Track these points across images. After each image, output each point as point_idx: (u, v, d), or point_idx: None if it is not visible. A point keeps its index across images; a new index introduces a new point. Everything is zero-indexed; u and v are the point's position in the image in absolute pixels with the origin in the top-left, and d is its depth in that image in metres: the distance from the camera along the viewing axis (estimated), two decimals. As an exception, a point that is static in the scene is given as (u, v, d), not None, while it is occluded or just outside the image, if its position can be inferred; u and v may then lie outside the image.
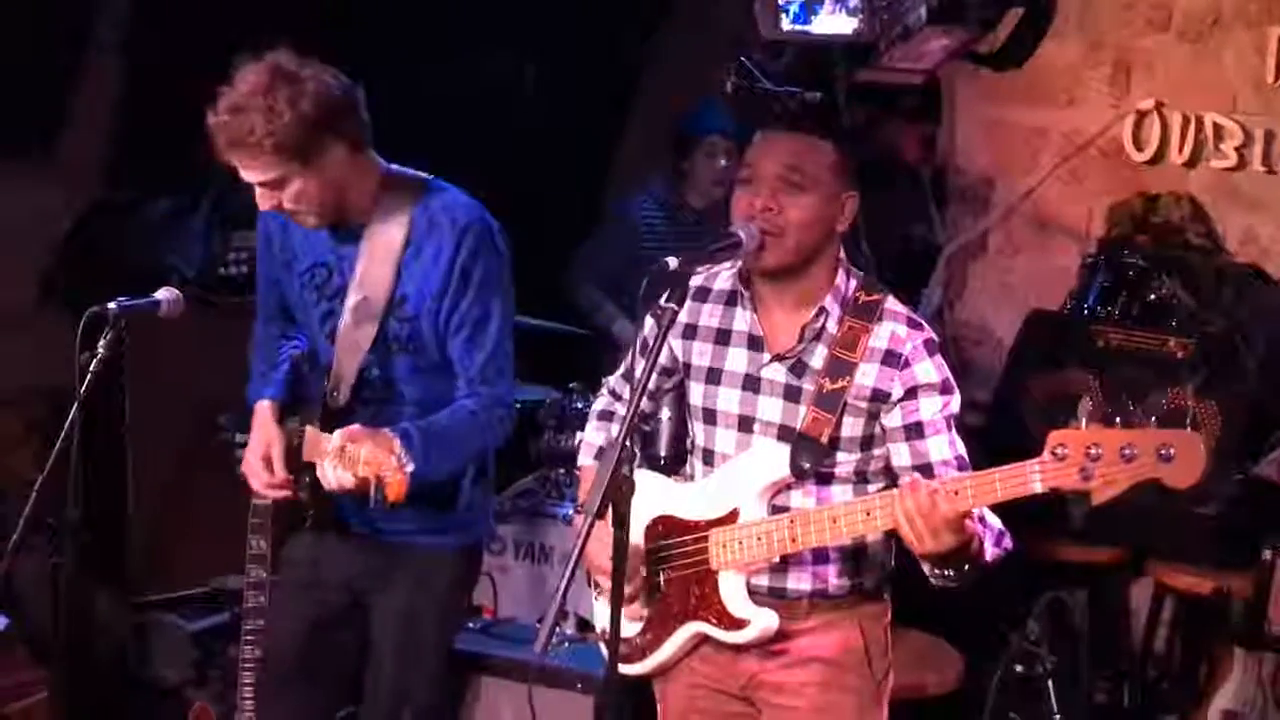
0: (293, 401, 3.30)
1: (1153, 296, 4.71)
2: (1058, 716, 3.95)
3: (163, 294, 3.07)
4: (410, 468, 2.90)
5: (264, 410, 3.27)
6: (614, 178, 6.12)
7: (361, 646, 3.44)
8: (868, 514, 2.59)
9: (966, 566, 2.58)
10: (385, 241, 3.18)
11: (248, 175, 3.03)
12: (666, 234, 5.19)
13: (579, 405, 4.70)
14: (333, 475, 2.98)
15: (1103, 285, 4.80)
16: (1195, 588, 4.44)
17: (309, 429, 3.23)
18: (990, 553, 2.64)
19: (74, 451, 2.76)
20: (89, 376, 2.78)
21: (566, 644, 3.94)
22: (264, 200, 3.08)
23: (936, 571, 2.61)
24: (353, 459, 2.95)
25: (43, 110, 4.49)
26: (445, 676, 3.61)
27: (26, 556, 2.81)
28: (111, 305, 2.86)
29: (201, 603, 4.48)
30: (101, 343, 2.80)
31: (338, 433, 2.99)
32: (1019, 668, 3.95)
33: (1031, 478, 2.39)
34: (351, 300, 3.19)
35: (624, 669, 2.81)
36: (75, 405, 2.76)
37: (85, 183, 4.64)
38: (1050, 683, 3.95)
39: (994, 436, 4.55)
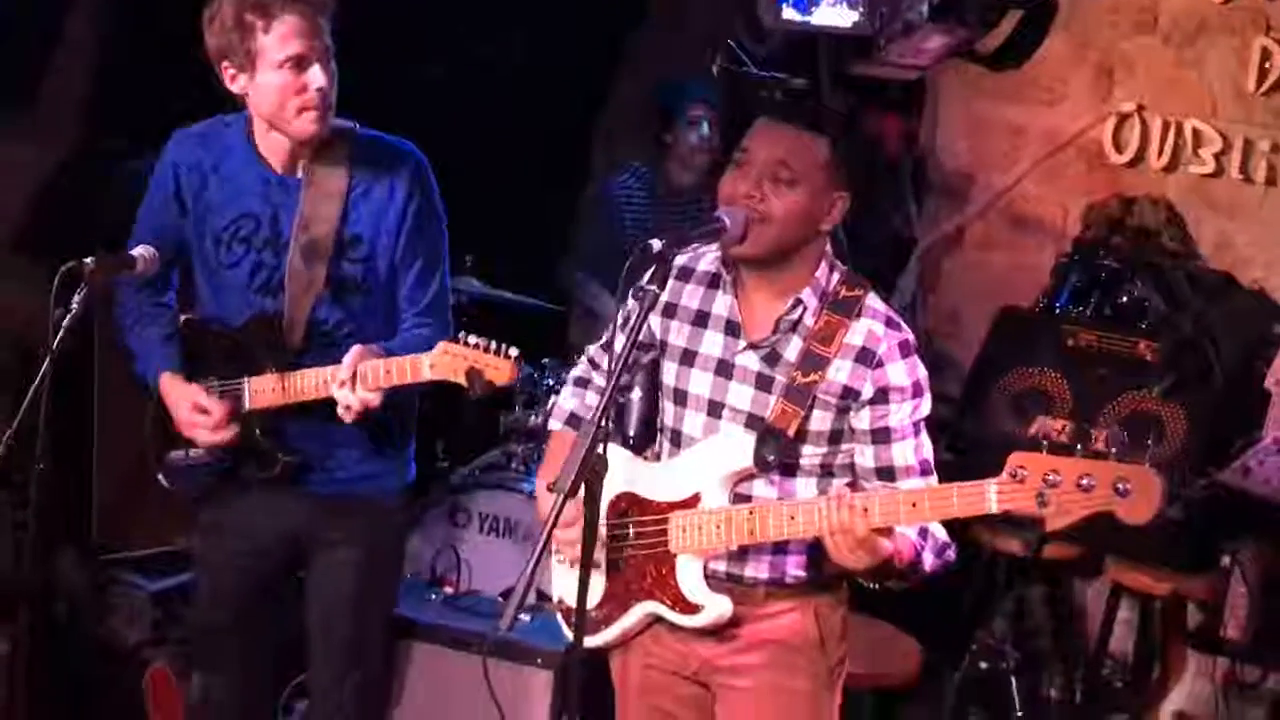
0: (189, 367, 3.30)
1: (1125, 298, 4.73)
2: (1019, 714, 3.98)
3: (139, 250, 3.06)
4: (515, 351, 2.94)
5: (170, 379, 3.28)
6: (597, 153, 6.10)
7: (300, 609, 3.46)
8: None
9: (893, 580, 2.63)
10: (329, 183, 3.21)
11: (306, 42, 3.03)
12: (647, 211, 5.18)
13: (549, 381, 4.70)
14: (354, 398, 3.06)
15: (1075, 285, 4.83)
16: (1152, 589, 4.48)
17: (256, 378, 3.23)
18: (930, 563, 2.67)
19: (43, 406, 2.74)
20: (61, 332, 2.76)
21: (527, 616, 3.94)
22: (306, 84, 3.05)
23: (862, 579, 2.65)
24: (370, 374, 3.02)
25: (21, 62, 4.44)
26: (391, 628, 3.67)
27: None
28: (87, 261, 2.84)
29: (162, 563, 4.47)
30: (75, 298, 2.78)
31: (351, 353, 3.06)
32: (982, 664, 3.97)
33: (988, 498, 2.40)
34: (299, 243, 3.20)
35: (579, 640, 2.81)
36: (46, 360, 2.74)
37: (61, 136, 4.59)
38: (1014, 679, 3.97)
39: (961, 430, 4.58)
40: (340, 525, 3.35)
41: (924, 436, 2.73)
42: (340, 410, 3.09)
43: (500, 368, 2.94)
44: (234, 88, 3.13)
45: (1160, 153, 5.00)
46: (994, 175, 5.38)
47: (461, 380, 2.97)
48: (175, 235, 3.31)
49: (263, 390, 3.23)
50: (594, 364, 3.09)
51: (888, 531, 2.55)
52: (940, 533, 2.70)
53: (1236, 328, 4.55)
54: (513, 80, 5.46)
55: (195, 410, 3.23)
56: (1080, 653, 4.83)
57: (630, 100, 6.00)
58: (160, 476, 3.38)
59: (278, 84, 3.08)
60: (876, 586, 2.71)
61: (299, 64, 3.05)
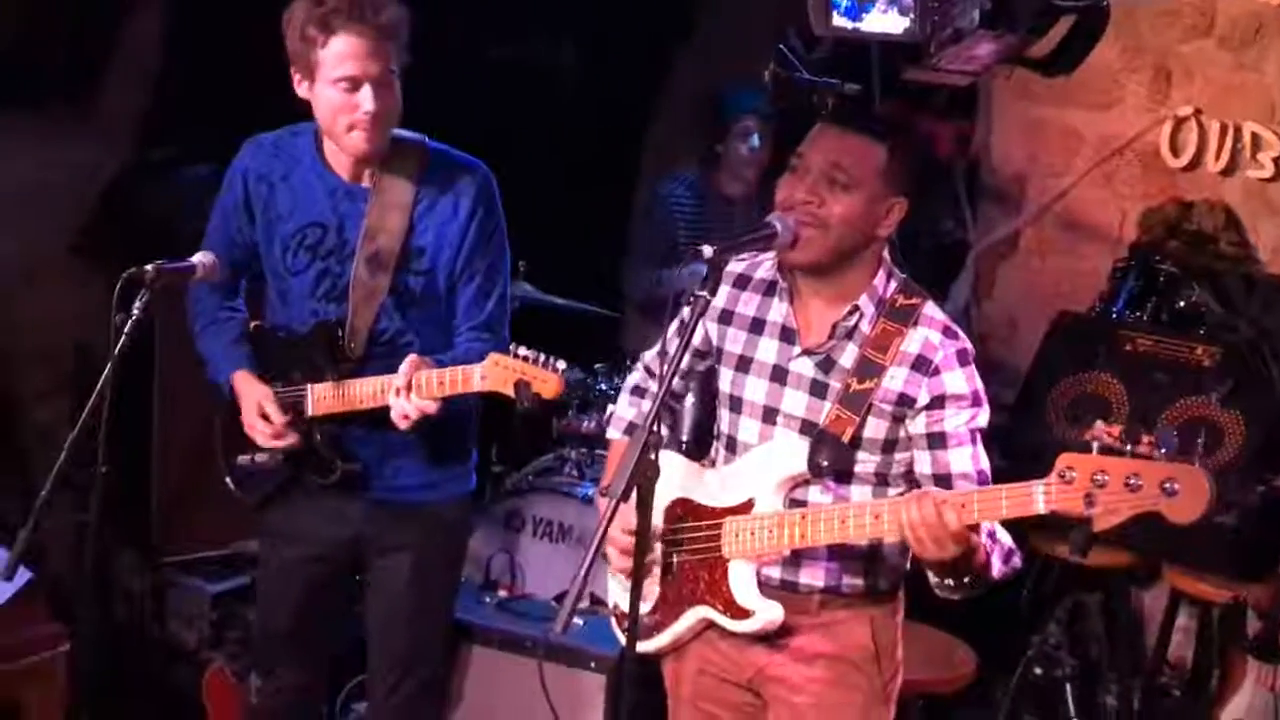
0: (259, 371, 3.34)
1: (1182, 303, 4.69)
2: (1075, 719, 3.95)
3: (199, 258, 3.09)
4: (561, 365, 2.97)
5: (244, 377, 3.33)
6: (648, 161, 6.11)
7: (360, 613, 3.51)
8: (876, 517, 2.58)
9: (969, 580, 2.59)
10: (395, 194, 3.24)
11: (359, 65, 3.05)
12: (696, 219, 5.19)
13: (603, 386, 4.72)
14: (409, 406, 3.08)
15: (1132, 290, 4.79)
16: (1211, 596, 4.44)
17: (318, 385, 3.27)
18: (998, 569, 2.65)
19: (105, 410, 2.78)
20: (123, 337, 2.79)
21: (581, 621, 3.95)
22: (358, 105, 3.08)
23: (939, 581, 2.62)
24: (424, 384, 3.05)
25: (82, 67, 4.50)
26: (450, 632, 3.70)
27: (52, 512, 2.82)
28: (148, 267, 2.88)
29: (221, 565, 4.52)
30: (137, 304, 2.81)
31: (406, 362, 3.08)
32: (1038, 670, 3.94)
33: (1036, 498, 2.38)
34: (364, 252, 3.23)
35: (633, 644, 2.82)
36: (109, 365, 2.78)
37: (122, 142, 4.66)
38: (1069, 686, 3.94)
39: (1016, 437, 4.54)
40: (400, 531, 3.38)
41: (980, 448, 2.71)
42: (395, 418, 3.12)
43: (548, 380, 2.96)
44: (300, 92, 3.17)
45: (1218, 157, 4.94)
46: (1049, 180, 5.34)
47: (509, 391, 2.99)
48: (244, 242, 3.36)
49: (323, 397, 3.27)
50: (650, 372, 3.10)
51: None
52: (1006, 538, 2.68)
53: (1297, 332, 4.50)
54: (565, 86, 5.49)
55: (259, 414, 3.27)
56: (1138, 661, 4.79)
57: (682, 106, 6.01)
58: (228, 480, 3.43)
59: (331, 100, 3.11)
60: (953, 584, 2.61)
61: (353, 85, 3.08)
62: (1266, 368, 4.40)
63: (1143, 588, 4.96)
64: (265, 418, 3.27)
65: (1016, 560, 2.70)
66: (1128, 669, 4.71)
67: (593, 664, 3.95)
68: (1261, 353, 4.44)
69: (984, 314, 5.49)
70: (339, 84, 3.08)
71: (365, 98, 3.08)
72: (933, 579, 2.63)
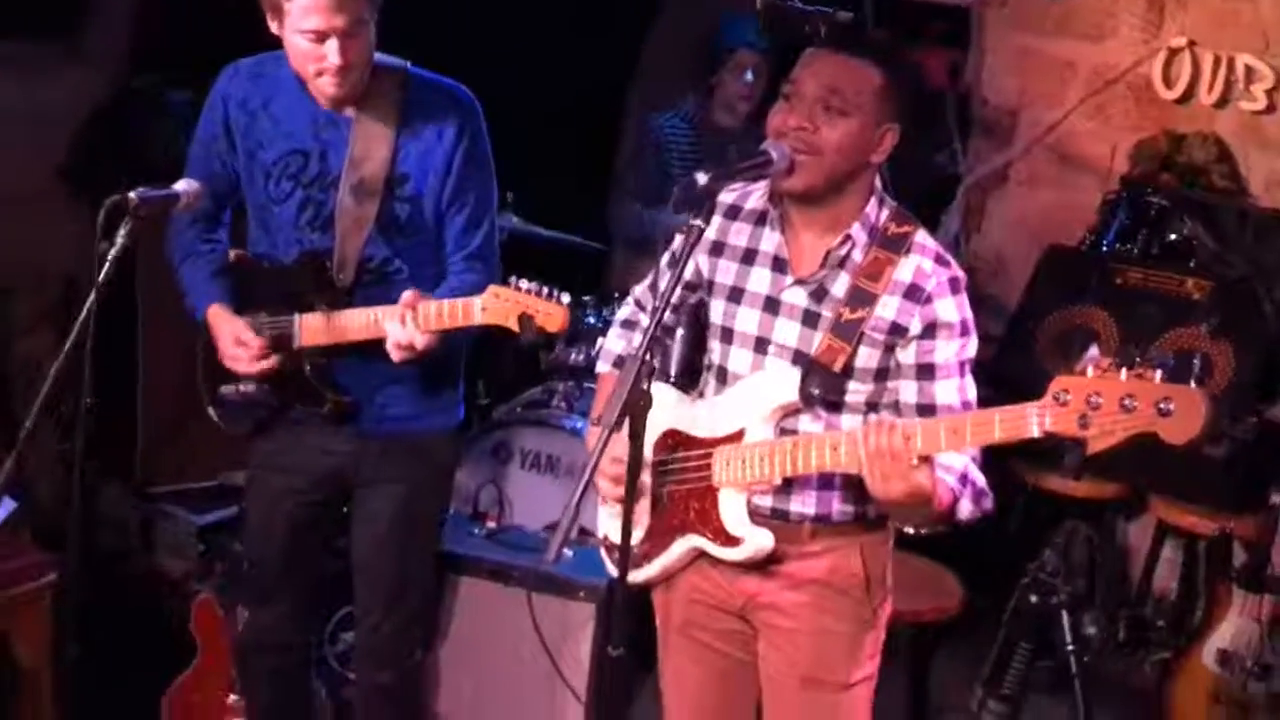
0: (241, 303, 3.31)
1: (1173, 236, 4.70)
2: (1071, 648, 3.96)
3: (183, 185, 3.04)
4: (567, 297, 2.94)
5: (216, 311, 3.29)
6: (639, 93, 6.06)
7: (347, 544, 3.50)
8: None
9: (928, 524, 2.61)
10: (379, 122, 3.20)
11: (325, 19, 2.99)
12: (690, 152, 5.15)
13: (590, 319, 4.70)
14: (403, 334, 3.05)
15: (1123, 223, 4.79)
16: (1198, 528, 4.47)
17: (307, 316, 3.23)
18: (967, 510, 2.64)
19: (89, 341, 2.75)
20: (107, 265, 2.76)
21: (569, 551, 3.95)
22: (324, 55, 3.03)
23: (898, 522, 2.63)
24: (423, 315, 3.03)
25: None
26: (438, 563, 3.70)
27: (38, 444, 2.80)
28: (132, 195, 2.83)
29: (208, 496, 4.51)
30: (121, 232, 2.77)
31: (406, 295, 3.05)
32: (1033, 597, 3.95)
33: (1030, 421, 2.35)
34: (349, 181, 3.20)
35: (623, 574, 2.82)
36: (92, 293, 2.74)
37: (107, 70, 4.60)
38: (1064, 613, 3.96)
39: (1005, 369, 4.55)
40: (387, 463, 3.36)
41: (969, 378, 2.70)
42: (390, 348, 3.09)
43: (553, 313, 2.94)
44: (274, 30, 3.12)
45: (1211, 89, 4.92)
46: (1041, 111, 5.31)
47: (513, 325, 2.96)
48: (225, 170, 3.30)
49: (312, 327, 3.23)
50: (640, 305, 3.07)
51: (928, 469, 2.52)
52: (979, 480, 2.67)
53: (1288, 265, 4.50)
54: (552, 15, 5.42)
55: (236, 343, 3.24)
56: (1123, 592, 4.82)
57: (674, 37, 5.95)
58: (211, 410, 3.40)
59: (298, 47, 3.07)
60: (912, 532, 2.70)
61: (319, 37, 3.03)
62: (1257, 299, 4.40)
63: (1129, 519, 4.98)
64: (242, 343, 3.24)
65: (987, 503, 2.68)
66: (1113, 600, 4.74)
67: (581, 594, 3.95)
68: (1252, 284, 4.44)
69: (973, 247, 5.48)
70: (305, 35, 3.03)
71: (331, 50, 3.03)
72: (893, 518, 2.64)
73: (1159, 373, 2.27)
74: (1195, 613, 4.65)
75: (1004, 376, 4.45)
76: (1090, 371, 2.32)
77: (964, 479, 2.63)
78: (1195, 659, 4.14)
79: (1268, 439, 4.18)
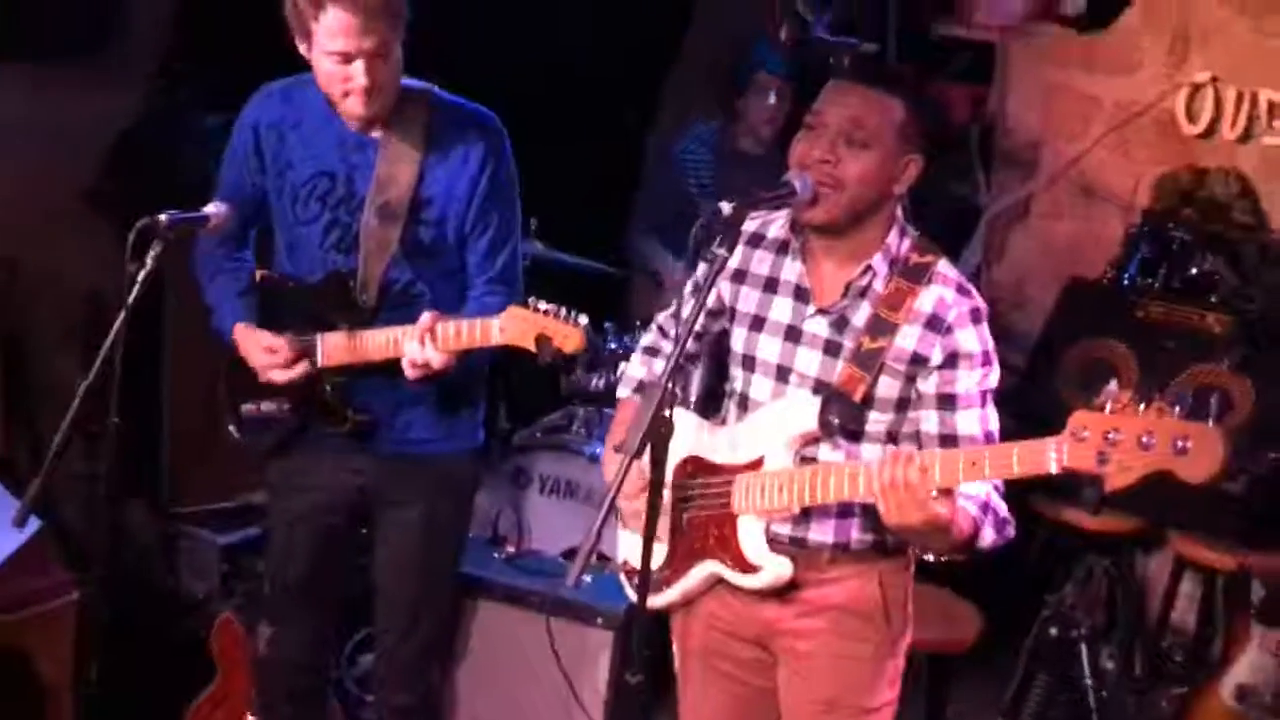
0: (265, 322, 3.33)
1: (1194, 271, 4.69)
2: (1089, 681, 3.96)
3: (212, 208, 3.09)
4: (584, 319, 2.96)
5: (243, 329, 3.32)
6: (663, 117, 6.08)
7: (366, 566, 3.52)
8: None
9: (950, 552, 2.61)
10: (405, 146, 3.23)
11: (352, 41, 3.02)
12: (712, 175, 5.17)
13: (612, 345, 4.72)
14: (421, 353, 3.07)
15: (1145, 257, 4.79)
16: (1217, 563, 4.45)
17: (329, 335, 3.26)
18: (989, 538, 2.64)
19: (117, 361, 2.78)
20: (136, 287, 2.79)
21: (588, 577, 3.97)
22: (350, 76, 3.07)
23: (919, 550, 2.63)
24: (441, 334, 3.05)
25: (98, 14, 4.48)
26: (457, 586, 3.72)
27: (62, 462, 2.82)
28: (162, 218, 2.87)
29: (231, 517, 4.53)
30: (151, 254, 2.81)
31: (425, 316, 3.08)
32: (1053, 630, 3.95)
33: (1049, 456, 2.36)
34: (374, 203, 3.23)
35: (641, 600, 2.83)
36: (122, 314, 2.78)
37: (136, 91, 4.63)
38: (1084, 646, 3.96)
39: (1025, 402, 4.55)
40: (408, 485, 3.39)
41: (990, 408, 2.70)
42: (406, 367, 3.11)
43: (570, 335, 2.96)
44: (302, 52, 3.16)
45: (1234, 124, 4.93)
46: (1063, 144, 5.32)
47: (530, 346, 2.98)
48: (253, 191, 3.35)
49: (334, 347, 3.26)
50: (663, 332, 3.09)
51: (948, 500, 2.53)
52: (1001, 508, 2.67)
53: (1309, 301, 4.49)
54: (577, 42, 5.45)
55: (266, 351, 3.27)
56: (1141, 626, 4.80)
57: (696, 62, 5.98)
58: (232, 429, 3.43)
59: (326, 70, 3.10)
60: (932, 559, 2.70)
61: (345, 59, 3.06)
62: (1278, 336, 4.39)
63: (1147, 554, 4.97)
64: (272, 350, 3.26)
65: (1010, 530, 2.69)
66: (1130, 634, 4.72)
67: (599, 619, 3.97)
68: (1273, 320, 4.44)
69: (994, 278, 5.48)
70: (332, 56, 3.07)
71: (357, 71, 3.07)
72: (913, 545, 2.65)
73: (1177, 410, 2.28)
74: (1213, 648, 4.63)
75: (1023, 408, 4.46)
76: (1109, 407, 2.33)
77: (985, 507, 2.64)
78: (1213, 694, 4.12)
79: (1288, 474, 4.17)
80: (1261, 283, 4.59)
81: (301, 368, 3.26)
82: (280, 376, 3.27)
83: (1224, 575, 4.60)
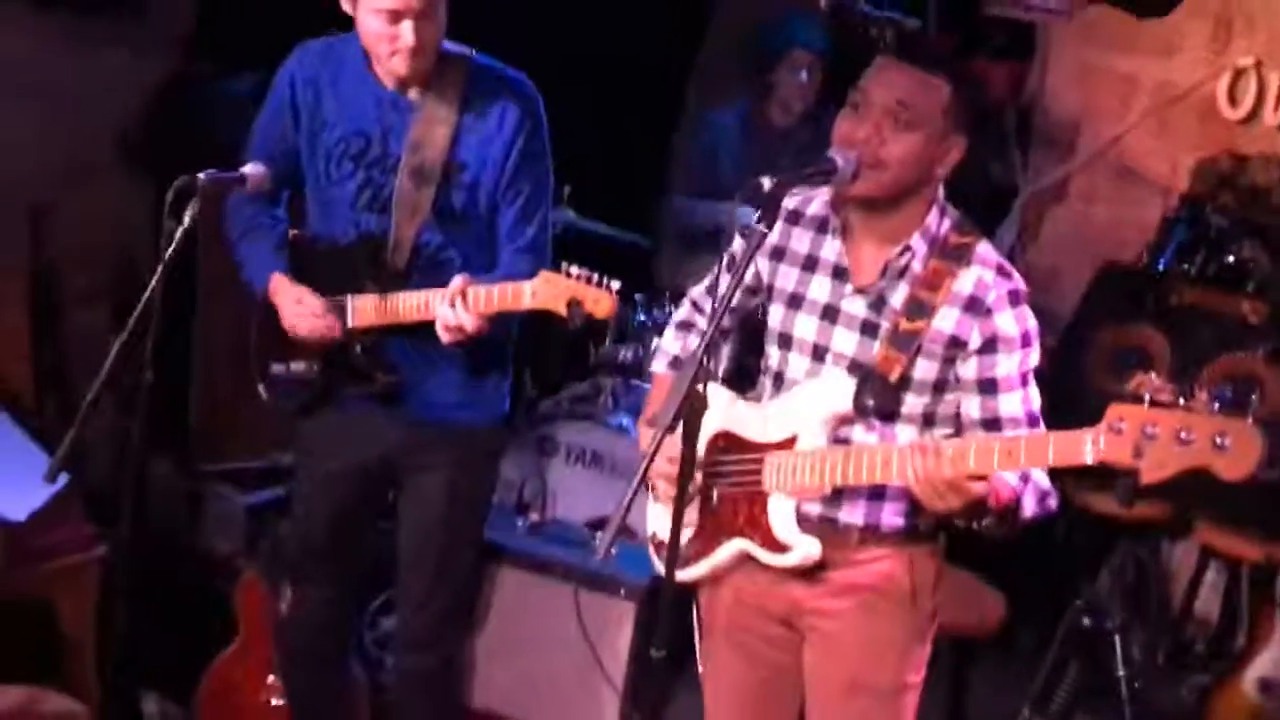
0: (298, 280, 3.31)
1: (1231, 258, 4.65)
2: (1122, 672, 3.94)
3: (249, 169, 3.08)
4: (617, 284, 2.94)
5: (281, 279, 3.30)
6: (695, 89, 6.04)
7: (390, 530, 3.51)
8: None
9: (988, 522, 2.58)
10: (441, 108, 3.21)
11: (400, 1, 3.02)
12: (743, 151, 5.14)
13: (641, 317, 4.71)
14: (453, 316, 3.05)
15: (1181, 242, 4.75)
16: (1243, 552, 4.42)
17: (359, 296, 3.25)
18: (1030, 508, 2.63)
19: (155, 316, 2.78)
20: (173, 245, 2.78)
21: (614, 549, 3.96)
22: (398, 35, 3.06)
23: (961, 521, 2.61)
24: (473, 298, 3.03)
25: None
26: (480, 552, 3.70)
27: (92, 417, 2.82)
28: (200, 177, 2.86)
29: (257, 476, 4.54)
30: (188, 213, 2.80)
31: (457, 279, 3.06)
32: (1085, 620, 3.94)
33: (1085, 447, 2.34)
34: (408, 165, 3.21)
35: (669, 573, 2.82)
36: (159, 271, 2.77)
37: (169, 50, 4.63)
38: (1118, 636, 3.94)
39: (1056, 384, 4.50)
40: (434, 450, 3.38)
41: (1032, 388, 2.69)
42: (440, 330, 3.10)
43: (601, 300, 2.94)
44: (345, 9, 3.14)
45: (1276, 110, 4.87)
46: (1102, 126, 5.28)
47: (561, 310, 2.97)
48: (287, 147, 3.33)
49: (364, 308, 3.25)
50: (698, 307, 3.07)
51: (984, 482, 2.51)
52: (1043, 480, 2.65)
53: (1346, 291, 4.45)
54: (611, 10, 5.41)
55: (297, 303, 3.26)
56: (1165, 615, 4.78)
57: (732, 34, 5.93)
58: (261, 389, 3.42)
59: (372, 29, 3.09)
60: (976, 526, 2.63)
61: (393, 17, 3.05)
62: (1314, 325, 4.36)
63: (1173, 541, 4.94)
64: (303, 304, 3.25)
65: (1051, 502, 2.67)
66: (1155, 623, 4.71)
67: (623, 591, 3.97)
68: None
69: (1028, 260, 5.44)
70: (379, 14, 3.06)
71: (405, 30, 3.06)
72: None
73: (1217, 405, 2.26)
74: (1237, 638, 4.61)
75: (1054, 391, 4.43)
76: (1147, 399, 2.31)
77: (1025, 477, 2.62)
78: (1236, 685, 4.10)
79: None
80: (1299, 271, 4.54)
81: (330, 320, 3.25)
82: (307, 326, 3.25)
83: (1250, 566, 4.57)
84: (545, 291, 2.99)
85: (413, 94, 3.22)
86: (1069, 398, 4.45)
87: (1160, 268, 4.75)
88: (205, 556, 4.44)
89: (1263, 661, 4.07)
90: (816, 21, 5.11)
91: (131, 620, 3.16)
